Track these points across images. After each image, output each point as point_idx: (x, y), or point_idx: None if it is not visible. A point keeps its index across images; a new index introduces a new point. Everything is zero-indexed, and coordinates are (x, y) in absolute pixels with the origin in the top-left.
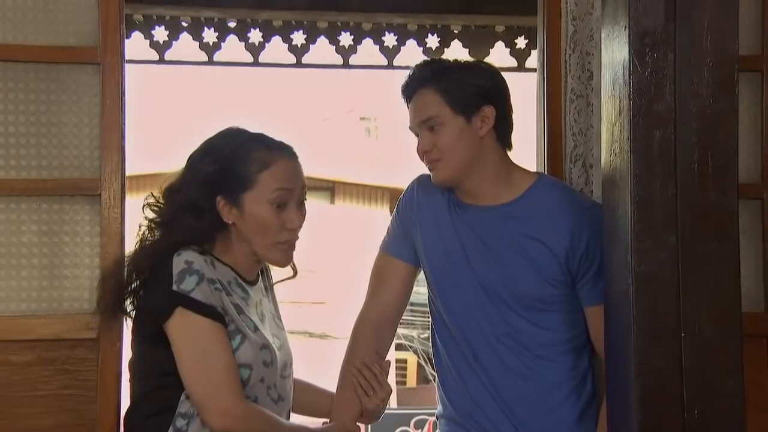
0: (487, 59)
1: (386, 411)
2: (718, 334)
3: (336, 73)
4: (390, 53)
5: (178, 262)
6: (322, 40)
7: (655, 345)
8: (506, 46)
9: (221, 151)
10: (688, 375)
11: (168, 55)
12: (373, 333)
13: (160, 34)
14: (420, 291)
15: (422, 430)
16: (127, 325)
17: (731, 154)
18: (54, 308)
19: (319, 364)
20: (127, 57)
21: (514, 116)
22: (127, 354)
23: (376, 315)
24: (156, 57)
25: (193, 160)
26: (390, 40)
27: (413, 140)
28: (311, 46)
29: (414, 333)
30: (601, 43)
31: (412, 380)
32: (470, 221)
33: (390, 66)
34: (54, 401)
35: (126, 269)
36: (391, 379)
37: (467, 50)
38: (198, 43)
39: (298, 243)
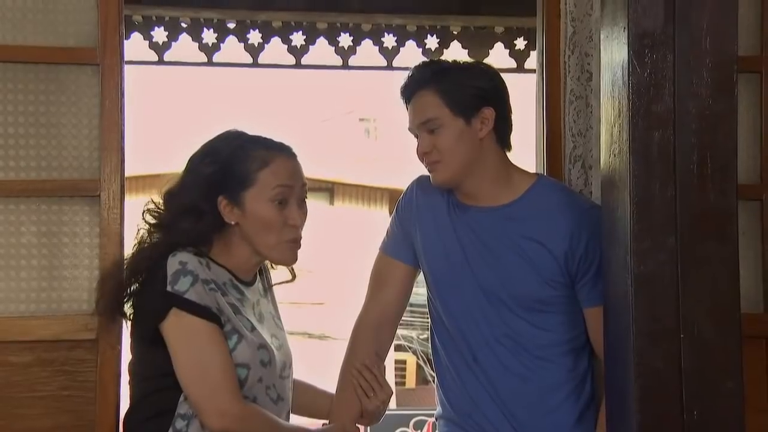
0: (486, 60)
1: (386, 412)
2: (718, 335)
3: (335, 74)
4: (389, 54)
5: (173, 263)
6: (322, 41)
7: (654, 346)
8: (505, 47)
9: (220, 152)
10: (687, 376)
11: (167, 56)
12: (373, 334)
13: (160, 35)
14: (419, 292)
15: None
16: (126, 327)
17: (730, 155)
18: (53, 309)
19: (318, 365)
20: (126, 58)
21: (513, 117)
22: (126, 356)
23: (376, 316)
24: (155, 58)
25: (193, 162)
26: (389, 41)
27: (413, 141)
28: (310, 46)
29: (413, 334)
30: (600, 44)
31: (411, 381)
32: (470, 222)
33: (389, 67)
34: (53, 402)
35: (124, 272)
36: (390, 380)
37: (466, 51)
38: (197, 44)
39: None
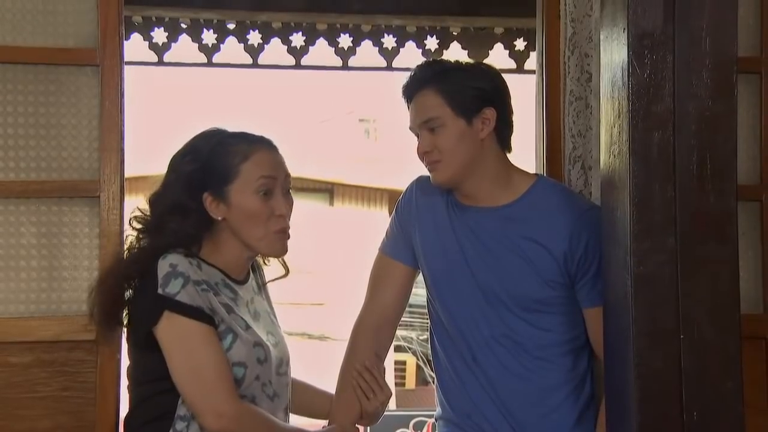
0: (486, 61)
1: (385, 413)
2: (717, 335)
3: (335, 74)
4: (389, 55)
5: (163, 266)
6: (321, 42)
7: (654, 346)
8: (505, 48)
9: (201, 150)
10: (687, 377)
11: (167, 57)
12: (373, 335)
13: (159, 35)
14: (419, 292)
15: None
16: (123, 333)
17: (730, 156)
18: (53, 310)
19: (317, 366)
20: (126, 59)
21: (514, 119)
22: (125, 359)
23: (375, 317)
24: (155, 58)
25: (174, 161)
26: (389, 41)
27: (412, 142)
28: (310, 47)
29: (413, 334)
30: (599, 45)
31: (411, 382)
32: (469, 223)
33: (389, 67)
34: (53, 403)
35: (116, 279)
36: (390, 381)
37: (466, 52)
38: (197, 44)
39: (297, 244)
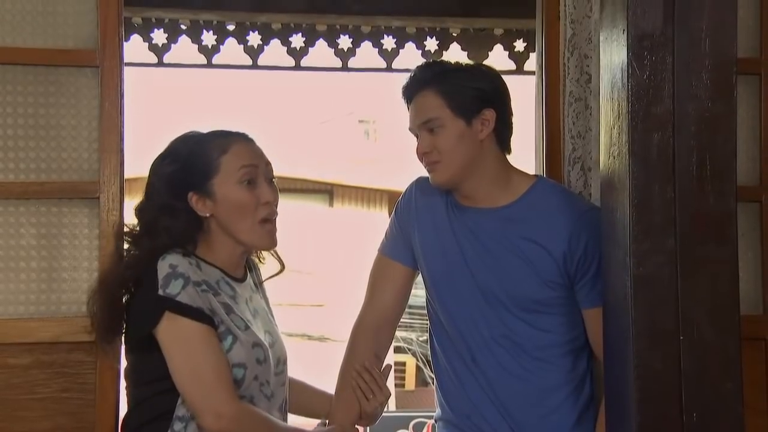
0: (485, 62)
1: (384, 414)
2: (717, 336)
3: (335, 75)
4: (389, 56)
5: (163, 267)
6: (321, 43)
7: (653, 347)
8: (505, 49)
9: (179, 151)
10: (686, 378)
11: (167, 58)
12: (372, 336)
13: (159, 36)
14: (418, 293)
15: None
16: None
17: (729, 157)
18: (52, 311)
19: (317, 367)
20: (125, 60)
21: (513, 119)
22: (123, 360)
23: (375, 318)
24: (155, 60)
25: (155, 166)
26: (389, 42)
27: (412, 143)
28: (310, 48)
29: (412, 335)
30: (599, 46)
31: (410, 383)
32: (468, 223)
33: (389, 69)
34: (52, 404)
35: (113, 289)
36: (390, 382)
37: (466, 53)
38: (197, 45)
39: (297, 245)
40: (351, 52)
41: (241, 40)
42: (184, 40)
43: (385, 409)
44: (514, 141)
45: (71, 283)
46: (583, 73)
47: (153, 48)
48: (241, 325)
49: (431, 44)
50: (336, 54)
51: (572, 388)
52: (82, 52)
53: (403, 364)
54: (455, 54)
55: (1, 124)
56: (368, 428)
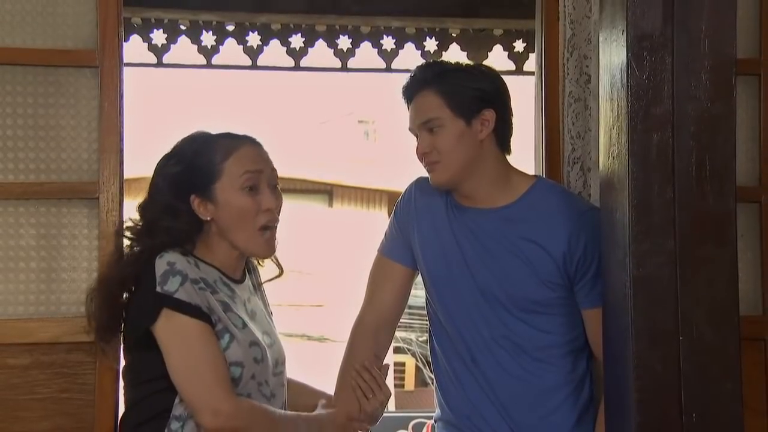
0: (485, 62)
1: (384, 414)
2: (716, 337)
3: (334, 76)
4: (388, 56)
5: (161, 264)
6: (321, 44)
7: (653, 348)
8: (504, 50)
9: (185, 152)
10: (686, 378)
11: (166, 59)
12: (372, 336)
13: (159, 37)
14: (418, 294)
15: None
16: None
17: (729, 158)
18: (52, 311)
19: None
20: (125, 60)
21: (513, 120)
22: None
23: (374, 318)
24: (154, 60)
25: (160, 165)
26: (388, 43)
27: (412, 143)
28: (309, 49)
29: (412, 336)
30: (599, 47)
31: (410, 383)
32: (468, 224)
33: (388, 69)
34: (52, 405)
35: (112, 287)
36: (389, 382)
37: (465, 53)
38: (196, 46)
39: (296, 245)
40: (350, 52)
41: (241, 40)
42: (183, 40)
43: (385, 410)
44: (514, 141)
45: (71, 284)
46: (583, 73)
47: (152, 48)
48: (238, 324)
49: (431, 45)
50: (335, 54)
51: (572, 388)
52: (81, 52)
53: (403, 364)
54: (455, 54)
55: (0, 124)
56: (368, 429)
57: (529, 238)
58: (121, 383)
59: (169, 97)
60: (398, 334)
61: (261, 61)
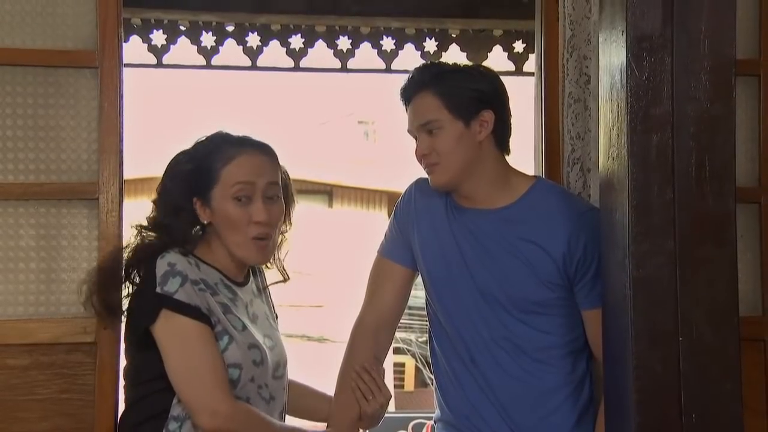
0: (484, 63)
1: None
2: (716, 337)
3: (334, 76)
4: (388, 57)
5: (161, 265)
6: (320, 44)
7: (652, 349)
8: (504, 50)
9: (199, 151)
10: (686, 378)
11: (166, 59)
12: (372, 337)
13: (158, 37)
14: (418, 294)
15: None
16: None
17: (729, 158)
18: (51, 312)
19: (317, 368)
20: (125, 61)
21: (512, 121)
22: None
23: (374, 319)
24: (154, 61)
25: (173, 161)
26: (388, 43)
27: (411, 144)
28: (309, 49)
29: (412, 336)
30: (598, 47)
31: (410, 384)
32: (468, 225)
33: (388, 70)
34: (51, 405)
35: (116, 265)
36: (389, 383)
37: (465, 54)
38: (196, 46)
39: (296, 246)
40: (350, 53)
41: (241, 41)
42: (183, 41)
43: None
44: (513, 142)
45: (70, 284)
46: (582, 74)
47: (152, 49)
48: (238, 326)
49: (430, 45)
50: (335, 55)
51: (572, 389)
52: (81, 53)
53: (403, 365)
54: (454, 55)
55: (0, 124)
56: (368, 430)
57: (529, 238)
58: (123, 383)
59: (168, 98)
60: (398, 334)
61: (261, 61)
